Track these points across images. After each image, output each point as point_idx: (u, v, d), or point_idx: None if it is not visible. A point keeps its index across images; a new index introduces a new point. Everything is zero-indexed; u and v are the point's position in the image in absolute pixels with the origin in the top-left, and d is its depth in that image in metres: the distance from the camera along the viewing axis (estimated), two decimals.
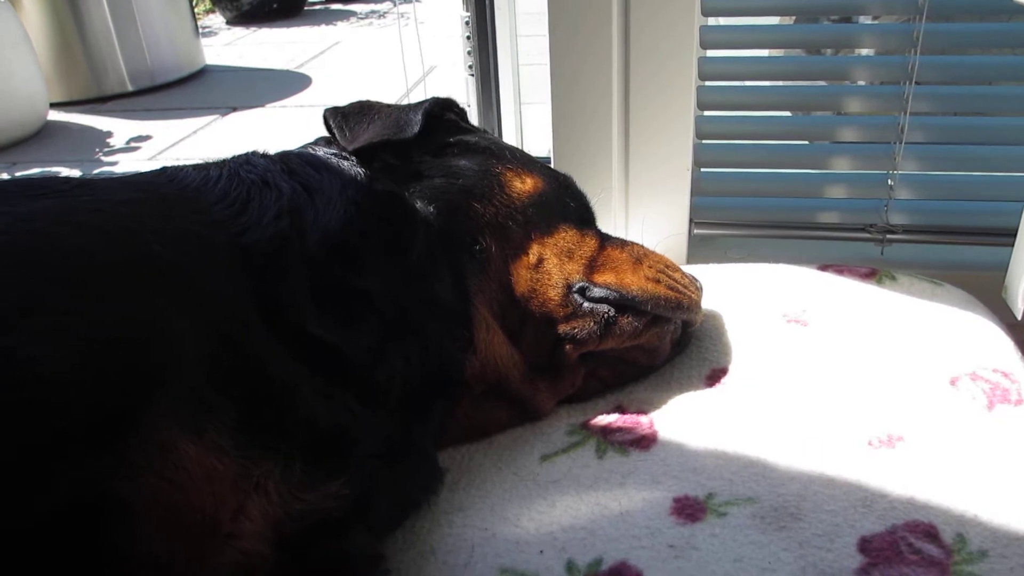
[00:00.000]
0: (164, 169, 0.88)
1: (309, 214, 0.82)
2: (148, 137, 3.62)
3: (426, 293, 0.86)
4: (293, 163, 0.90)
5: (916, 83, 1.27)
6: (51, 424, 0.52)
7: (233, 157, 0.92)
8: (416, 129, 0.98)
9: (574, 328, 0.94)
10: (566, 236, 0.99)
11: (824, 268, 1.22)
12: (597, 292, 0.95)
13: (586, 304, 0.94)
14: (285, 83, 4.47)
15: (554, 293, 0.94)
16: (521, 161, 1.04)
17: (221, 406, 0.63)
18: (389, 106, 1.06)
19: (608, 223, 1.07)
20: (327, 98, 3.93)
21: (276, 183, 0.85)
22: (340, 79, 4.42)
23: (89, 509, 0.53)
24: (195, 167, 0.88)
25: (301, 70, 4.74)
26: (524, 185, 1.00)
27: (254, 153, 0.94)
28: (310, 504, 0.68)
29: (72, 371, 0.54)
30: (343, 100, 1.05)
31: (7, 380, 0.52)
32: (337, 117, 1.02)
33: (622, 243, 1.04)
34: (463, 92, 1.90)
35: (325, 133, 1.04)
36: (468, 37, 1.76)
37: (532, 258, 0.95)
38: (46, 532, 0.51)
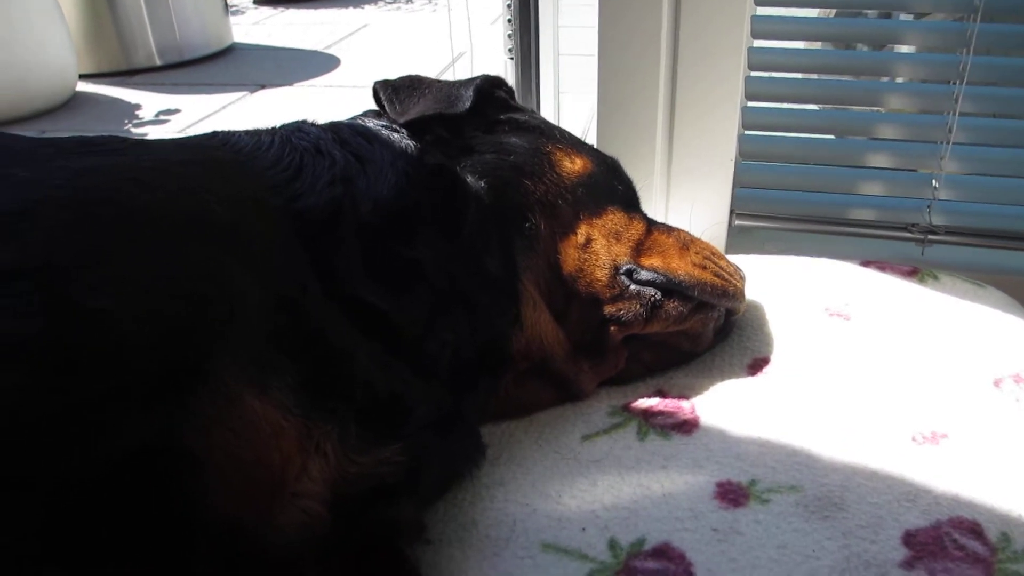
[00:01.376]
0: (216, 133, 0.88)
1: (361, 183, 0.82)
2: (177, 111, 3.62)
3: (476, 267, 0.86)
4: (344, 133, 0.90)
5: (967, 83, 1.25)
6: (116, 373, 0.52)
7: (284, 125, 0.92)
8: (468, 104, 0.98)
9: (620, 310, 0.94)
10: (614, 218, 0.99)
11: (866, 264, 1.22)
12: (644, 275, 0.95)
13: (633, 286, 0.94)
14: (313, 63, 4.46)
15: (601, 274, 0.94)
16: (570, 141, 1.04)
17: (282, 365, 0.63)
18: (439, 81, 1.06)
19: (648, 210, 1.06)
20: (356, 79, 3.93)
21: (329, 151, 0.84)
22: (369, 61, 4.42)
23: (160, 459, 0.53)
24: (247, 132, 0.88)
25: (329, 51, 4.73)
26: (574, 165, 0.99)
27: (304, 121, 0.94)
28: (364, 468, 0.68)
29: (136, 322, 0.54)
30: (372, 82, 1.04)
31: (72, 329, 0.52)
32: (387, 90, 1.01)
33: (668, 228, 1.03)
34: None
35: (358, 112, 1.04)
36: (509, 20, 1.75)
37: (580, 238, 0.95)
38: (121, 480, 0.51)
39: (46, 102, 3.66)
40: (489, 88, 1.05)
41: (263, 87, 3.96)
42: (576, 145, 1.04)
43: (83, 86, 4.01)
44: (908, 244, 1.38)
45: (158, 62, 4.46)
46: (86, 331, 0.52)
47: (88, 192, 0.60)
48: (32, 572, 0.48)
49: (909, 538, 0.75)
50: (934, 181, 1.33)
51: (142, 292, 0.56)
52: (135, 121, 3.52)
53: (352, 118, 1.02)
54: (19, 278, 0.52)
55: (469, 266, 0.86)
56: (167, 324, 0.56)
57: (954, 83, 1.28)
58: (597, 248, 0.95)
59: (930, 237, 1.35)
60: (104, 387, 0.51)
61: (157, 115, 3.58)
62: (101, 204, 0.60)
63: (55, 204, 0.58)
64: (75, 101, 3.84)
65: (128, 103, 3.82)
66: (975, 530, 0.76)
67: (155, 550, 0.54)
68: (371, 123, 0.96)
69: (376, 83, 1.03)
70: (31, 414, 0.49)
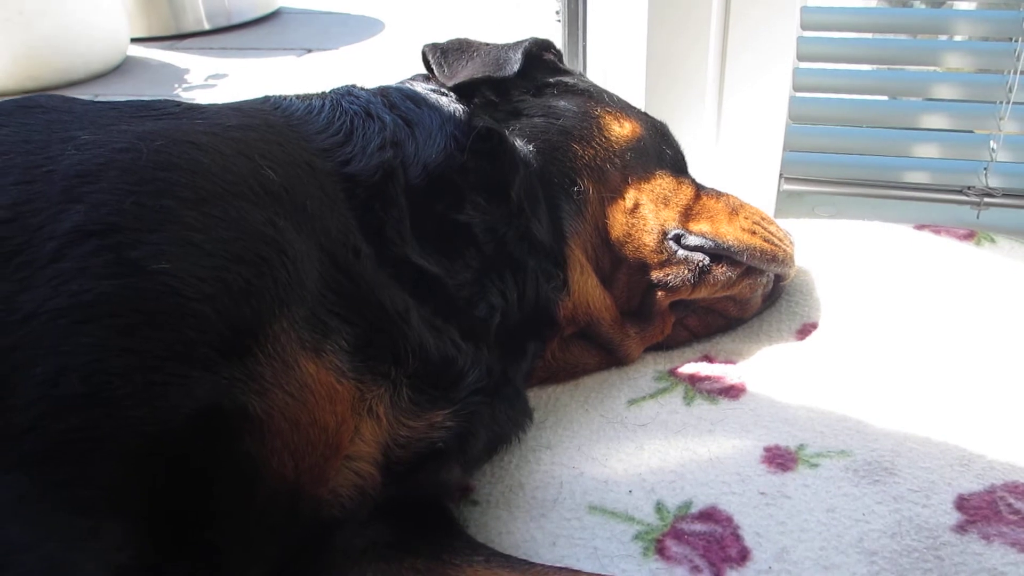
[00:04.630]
0: (267, 97, 0.89)
1: (410, 148, 0.83)
2: (224, 75, 3.63)
3: (524, 231, 0.86)
4: (393, 97, 0.90)
5: None
6: (179, 335, 0.54)
7: (333, 89, 0.92)
8: (516, 67, 0.98)
9: (667, 275, 0.93)
10: (662, 183, 0.98)
11: (920, 228, 1.20)
12: (692, 240, 0.94)
13: (681, 251, 0.94)
14: (359, 27, 4.45)
15: (649, 239, 0.93)
16: (619, 105, 1.03)
17: (336, 328, 0.64)
18: (487, 44, 1.05)
19: (697, 174, 1.05)
20: (401, 43, 3.91)
21: (379, 115, 0.85)
22: (414, 26, 4.40)
23: (224, 420, 0.54)
24: (298, 96, 0.88)
25: (374, 15, 4.72)
26: (623, 129, 0.98)
27: (354, 86, 0.94)
28: (416, 431, 0.69)
29: (199, 284, 0.55)
30: (417, 45, 1.04)
31: (137, 291, 0.53)
32: (436, 53, 1.01)
33: (717, 193, 1.02)
34: None
35: (405, 75, 1.04)
36: None
37: (628, 203, 0.95)
38: (186, 439, 0.53)
39: (99, 66, 3.70)
40: (538, 51, 1.05)
41: (310, 51, 3.97)
42: (625, 109, 1.03)
43: (134, 50, 4.04)
44: (963, 208, 1.34)
45: (207, 26, 4.49)
46: (150, 293, 0.53)
47: (149, 156, 0.61)
48: (102, 521, 0.50)
49: (962, 502, 0.74)
50: (992, 142, 1.29)
51: (204, 255, 0.57)
52: (184, 85, 3.54)
53: (401, 82, 1.02)
54: (86, 240, 0.53)
55: (517, 230, 0.86)
56: (227, 287, 0.56)
57: (1016, 40, 1.23)
58: (645, 213, 0.95)
59: (987, 200, 1.32)
60: (168, 348, 0.53)
61: (206, 79, 3.60)
62: (162, 168, 0.60)
63: (119, 168, 0.59)
64: (126, 65, 3.89)
65: (177, 67, 3.85)
66: None
67: (218, 507, 0.56)
68: (419, 87, 0.96)
69: (425, 46, 1.03)
70: (103, 374, 0.50)
